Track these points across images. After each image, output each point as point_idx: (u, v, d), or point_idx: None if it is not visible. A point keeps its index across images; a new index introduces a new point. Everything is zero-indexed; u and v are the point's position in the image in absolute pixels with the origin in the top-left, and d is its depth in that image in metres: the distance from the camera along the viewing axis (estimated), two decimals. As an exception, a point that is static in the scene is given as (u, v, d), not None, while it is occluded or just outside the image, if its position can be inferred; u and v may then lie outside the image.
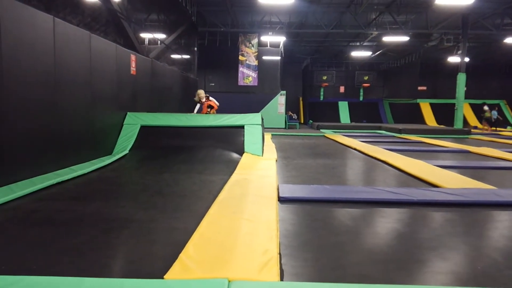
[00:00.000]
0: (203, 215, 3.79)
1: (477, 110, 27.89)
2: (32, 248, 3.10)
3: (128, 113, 8.96)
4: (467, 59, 19.68)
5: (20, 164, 5.27)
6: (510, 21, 18.33)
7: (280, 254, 2.96)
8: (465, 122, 23.53)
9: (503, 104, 28.85)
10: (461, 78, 17.96)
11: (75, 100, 6.71)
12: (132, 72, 9.38)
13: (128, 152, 8.13)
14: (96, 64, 7.40)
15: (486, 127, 21.50)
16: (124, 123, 8.76)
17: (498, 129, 21.32)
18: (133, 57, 9.45)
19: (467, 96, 20.21)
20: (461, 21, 17.79)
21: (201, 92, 10.83)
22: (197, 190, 5.31)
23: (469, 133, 17.17)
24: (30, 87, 5.47)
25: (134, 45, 11.07)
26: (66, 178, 5.61)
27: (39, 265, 2.79)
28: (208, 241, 3.12)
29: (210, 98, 10.76)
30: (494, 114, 21.49)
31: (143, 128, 8.77)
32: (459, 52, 18.61)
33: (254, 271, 2.57)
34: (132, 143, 8.42)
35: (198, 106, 10.81)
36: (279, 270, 2.60)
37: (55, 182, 5.34)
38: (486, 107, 21.93)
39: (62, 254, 2.98)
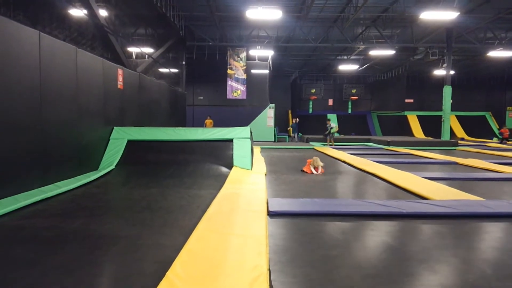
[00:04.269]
0: (192, 231, 3.72)
1: (464, 122, 28.35)
2: (16, 267, 3.01)
3: (114, 127, 8.87)
4: (452, 72, 20.02)
5: (3, 180, 5.14)
6: (493, 35, 18.76)
7: (269, 269, 2.91)
8: (452, 133, 23.83)
9: (488, 115, 29.34)
10: (447, 91, 18.23)
11: (61, 115, 6.63)
12: (119, 86, 9.32)
13: (114, 167, 8.02)
14: (82, 78, 7.34)
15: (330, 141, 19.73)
16: (110, 137, 8.66)
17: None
18: (120, 71, 9.41)
19: (453, 108, 20.50)
20: (445, 35, 18.15)
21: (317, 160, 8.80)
22: (186, 205, 5.23)
23: (456, 144, 17.37)
24: (15, 102, 5.38)
25: (121, 59, 11.02)
26: (50, 195, 5.49)
27: (24, 284, 2.70)
28: (196, 257, 3.05)
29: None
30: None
31: (130, 143, 8.67)
32: (444, 65, 18.93)
33: (243, 287, 2.52)
34: (118, 158, 8.31)
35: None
36: (268, 287, 2.56)
37: (39, 199, 5.21)
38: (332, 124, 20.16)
39: (47, 273, 2.90)
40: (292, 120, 23.02)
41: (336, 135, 26.93)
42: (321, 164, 8.60)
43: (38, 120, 5.90)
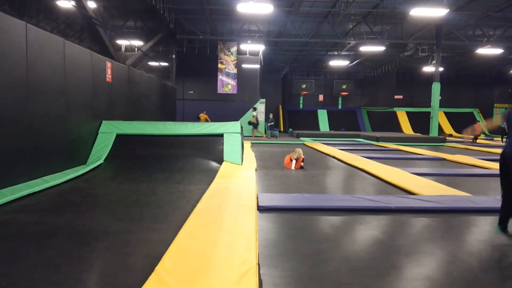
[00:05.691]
0: (181, 226, 3.71)
1: (452, 119, 28.65)
2: (3, 263, 2.97)
3: (103, 121, 8.77)
4: (441, 69, 20.17)
5: (-11, 174, 5.06)
6: (481, 32, 18.93)
7: (259, 264, 2.91)
8: (440, 130, 24.06)
9: (476, 112, 29.68)
10: (436, 87, 18.38)
11: (48, 108, 6.53)
12: (108, 79, 9.21)
13: (103, 161, 7.94)
14: (70, 71, 7.24)
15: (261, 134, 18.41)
16: (99, 131, 8.56)
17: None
18: (109, 64, 9.29)
19: (442, 105, 20.67)
20: (435, 32, 18.27)
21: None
22: (175, 200, 5.21)
23: (444, 141, 17.57)
24: (1, 94, 5.28)
25: (110, 52, 10.89)
26: (38, 189, 5.42)
27: (11, 280, 2.67)
28: (185, 252, 3.04)
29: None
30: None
31: (119, 137, 8.59)
32: (434, 62, 19.07)
33: (233, 282, 2.52)
34: (107, 152, 8.22)
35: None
36: (257, 281, 2.56)
37: (26, 194, 5.14)
38: (254, 112, 18.80)
39: (34, 269, 2.86)
40: (270, 115, 20.41)
41: (326, 130, 27.08)
42: (302, 156, 8.45)
43: (25, 113, 5.80)
